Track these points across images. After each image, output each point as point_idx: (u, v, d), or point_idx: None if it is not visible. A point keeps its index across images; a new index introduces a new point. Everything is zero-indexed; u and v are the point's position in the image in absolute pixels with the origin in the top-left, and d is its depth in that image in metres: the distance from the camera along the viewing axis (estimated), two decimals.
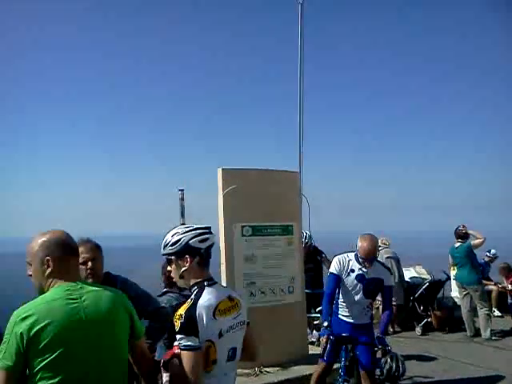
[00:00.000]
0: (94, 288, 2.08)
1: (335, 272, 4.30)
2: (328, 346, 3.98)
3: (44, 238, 2.07)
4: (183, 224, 9.14)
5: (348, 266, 4.28)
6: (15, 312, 1.93)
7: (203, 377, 2.13)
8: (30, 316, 1.87)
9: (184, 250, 2.26)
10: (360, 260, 4.20)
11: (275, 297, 5.09)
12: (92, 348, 1.96)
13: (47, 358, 1.85)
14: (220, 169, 5.08)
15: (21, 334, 1.84)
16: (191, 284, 2.28)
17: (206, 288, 2.23)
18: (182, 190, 9.25)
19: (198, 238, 2.27)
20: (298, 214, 5.58)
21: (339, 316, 4.37)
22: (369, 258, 4.14)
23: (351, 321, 4.31)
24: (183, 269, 2.27)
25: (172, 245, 2.27)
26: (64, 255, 2.06)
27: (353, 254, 4.32)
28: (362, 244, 4.14)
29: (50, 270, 2.04)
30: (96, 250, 3.13)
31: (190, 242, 2.25)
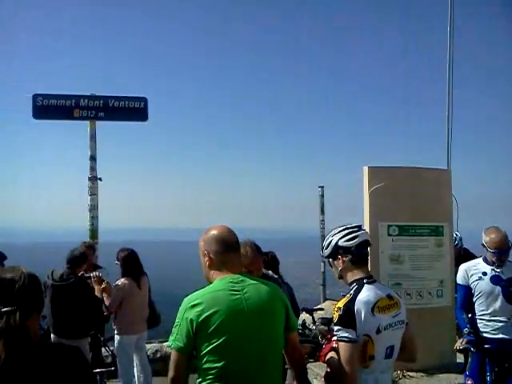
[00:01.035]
0: (253, 281, 2.24)
1: (462, 282, 3.84)
2: (472, 359, 3.66)
3: (207, 234, 2.33)
4: (322, 221, 9.26)
5: (477, 270, 3.75)
6: (185, 299, 2.18)
7: (361, 372, 2.23)
8: (198, 304, 2.10)
9: (335, 251, 2.41)
10: (492, 258, 3.63)
11: (422, 300, 4.89)
12: (252, 338, 2.11)
13: (213, 344, 2.06)
14: (366, 167, 5.04)
15: (191, 319, 2.08)
16: (349, 282, 2.39)
17: (366, 285, 2.32)
18: (321, 187, 9.38)
19: (346, 237, 2.39)
20: (449, 215, 5.27)
21: (481, 334, 3.72)
22: (503, 248, 3.56)
23: (497, 336, 3.66)
24: (339, 268, 2.41)
25: (326, 248, 2.45)
26: (222, 250, 2.26)
27: (479, 258, 3.86)
28: (489, 237, 3.62)
29: (209, 262, 2.28)
30: (255, 252, 3.38)
31: (339, 242, 2.39)
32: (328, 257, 2.47)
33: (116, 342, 5.21)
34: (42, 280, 1.94)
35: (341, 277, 2.44)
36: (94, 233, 7.08)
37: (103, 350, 5.96)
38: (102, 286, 5.11)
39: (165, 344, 6.60)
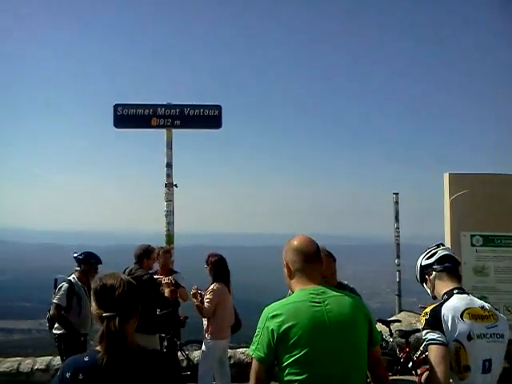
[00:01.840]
0: (335, 293, 2.20)
1: None
2: None
3: (288, 244, 2.34)
4: (397, 228, 8.92)
5: None
6: (266, 308, 2.18)
7: (454, 378, 2.20)
8: (279, 315, 2.09)
9: (422, 273, 2.56)
10: None
11: (510, 315, 4.58)
12: (334, 352, 2.07)
13: (294, 356, 2.04)
14: (447, 173, 4.81)
15: (272, 329, 2.07)
16: (441, 296, 2.41)
17: (455, 295, 2.32)
18: (396, 194, 9.06)
19: (427, 255, 2.53)
20: None
21: None
22: None
23: None
24: (430, 289, 2.51)
25: (416, 275, 2.61)
26: (301, 261, 2.25)
27: None
28: None
29: (289, 273, 2.29)
30: (328, 258, 3.35)
31: (422, 262, 2.54)
32: (420, 281, 2.58)
33: (206, 346, 5.24)
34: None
35: (434, 297, 2.48)
36: (170, 238, 7.31)
37: (179, 354, 6.11)
38: (180, 291, 5.26)
39: (238, 350, 6.67)
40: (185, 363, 6.08)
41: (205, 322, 5.22)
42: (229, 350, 6.09)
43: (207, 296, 5.11)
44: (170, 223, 7.37)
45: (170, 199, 7.42)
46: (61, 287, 5.35)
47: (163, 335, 5.61)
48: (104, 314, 1.82)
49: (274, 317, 2.10)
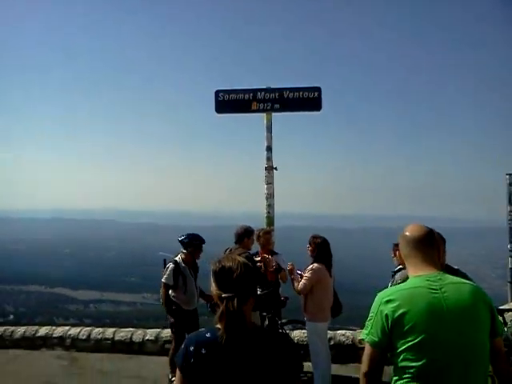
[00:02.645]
0: (453, 280, 2.14)
1: None
2: None
3: (402, 232, 2.32)
4: (511, 211, 8.25)
5: None
6: (379, 294, 2.18)
7: None
8: (393, 300, 2.08)
9: None
10: None
11: None
12: (452, 340, 2.01)
13: (410, 342, 2.02)
14: None
15: (386, 314, 2.07)
16: None
17: None
18: (510, 175, 8.27)
19: None
20: None
21: None
22: None
23: None
24: None
25: None
26: (414, 248, 2.23)
27: None
28: None
29: (404, 260, 2.28)
30: (440, 241, 3.22)
31: None
32: None
33: (309, 328, 5.33)
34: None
35: None
36: (270, 220, 7.45)
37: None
38: (281, 273, 5.39)
39: (338, 332, 6.70)
40: None
41: (302, 301, 5.28)
42: (329, 332, 6.11)
43: (306, 274, 5.17)
44: (270, 205, 7.48)
45: (270, 182, 7.52)
46: (168, 267, 5.75)
47: (264, 314, 5.78)
48: (223, 295, 1.91)
49: (388, 302, 2.09)
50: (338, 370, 5.75)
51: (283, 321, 6.14)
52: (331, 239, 5.36)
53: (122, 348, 7.10)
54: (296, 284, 5.22)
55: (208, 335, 1.92)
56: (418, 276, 2.16)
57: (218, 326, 1.92)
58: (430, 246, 2.26)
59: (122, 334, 7.27)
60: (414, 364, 2.02)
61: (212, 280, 2.02)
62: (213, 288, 2.00)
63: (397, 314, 2.04)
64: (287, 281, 5.72)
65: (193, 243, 5.87)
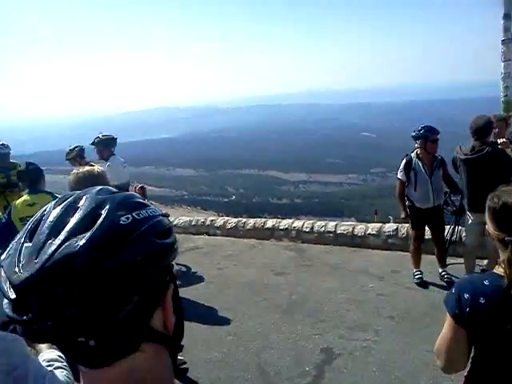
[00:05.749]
0: None
1: None
2: None
3: None
4: None
5: None
6: None
7: None
8: None
9: None
10: None
11: None
12: None
13: None
14: None
15: None
16: None
17: None
18: None
19: None
20: None
21: None
22: None
23: None
24: None
25: None
26: None
27: None
28: None
29: None
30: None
31: None
32: None
33: None
34: None
35: None
36: (508, 105, 6.32)
37: None
38: None
39: None
40: None
41: None
42: None
43: None
44: (507, 87, 6.31)
45: (508, 58, 6.26)
46: (401, 162, 5.45)
47: None
48: (507, 238, 1.56)
49: None
50: None
51: None
52: None
53: (346, 241, 7.26)
54: None
55: (486, 283, 1.62)
56: None
57: (499, 272, 1.60)
58: None
59: (343, 227, 7.37)
60: None
61: (488, 217, 1.67)
62: (490, 226, 1.66)
63: None
64: None
65: (425, 135, 5.27)
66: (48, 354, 1.88)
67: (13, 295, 0.57)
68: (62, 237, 0.59)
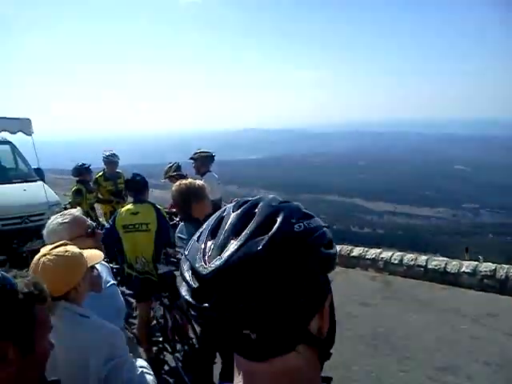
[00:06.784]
0: None
1: None
2: None
3: None
4: None
5: None
6: None
7: None
8: None
9: None
10: None
11: None
12: None
13: None
14: None
15: None
16: None
17: None
18: None
19: None
20: None
21: None
22: None
23: None
24: None
25: None
26: None
27: None
28: None
29: None
30: None
31: None
32: None
33: None
34: None
35: None
36: None
37: None
38: None
39: None
40: None
41: None
42: None
43: None
44: None
45: None
46: None
47: None
48: None
49: None
50: None
51: None
52: None
53: (436, 276, 6.89)
54: None
55: None
56: None
57: None
58: None
59: (436, 262, 7.01)
60: None
61: None
62: None
63: None
64: None
65: None
66: (140, 362, 2.05)
67: (196, 284, 0.66)
68: (242, 238, 0.66)
